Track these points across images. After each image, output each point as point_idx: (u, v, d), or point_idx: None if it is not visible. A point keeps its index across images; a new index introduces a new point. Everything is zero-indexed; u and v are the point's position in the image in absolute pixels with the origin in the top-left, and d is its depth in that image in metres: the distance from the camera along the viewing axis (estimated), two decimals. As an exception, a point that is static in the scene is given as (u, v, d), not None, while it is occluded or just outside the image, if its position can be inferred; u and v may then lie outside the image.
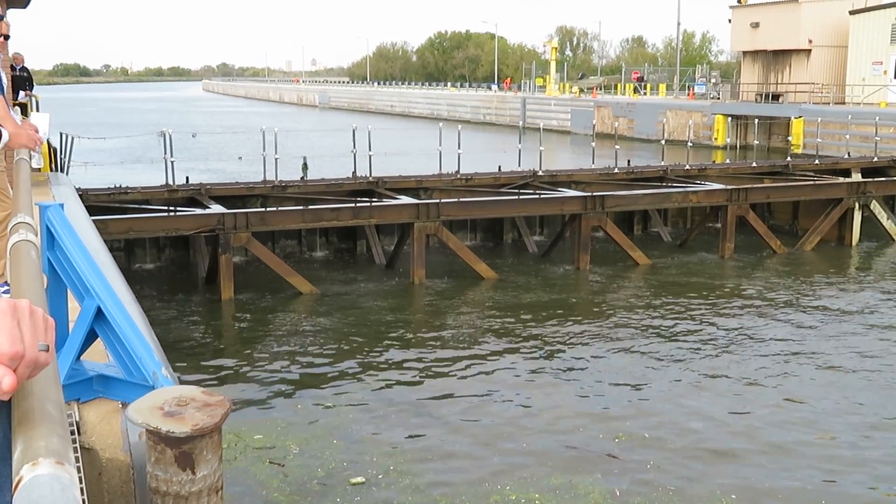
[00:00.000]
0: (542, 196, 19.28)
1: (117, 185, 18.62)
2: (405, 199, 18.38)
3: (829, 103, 49.01)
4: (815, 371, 12.56)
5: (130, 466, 4.61)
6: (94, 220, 14.06)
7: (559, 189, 20.42)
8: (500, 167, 22.32)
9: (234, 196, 19.12)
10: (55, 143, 17.99)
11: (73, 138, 18.71)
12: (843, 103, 50.27)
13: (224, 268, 16.01)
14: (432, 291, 16.97)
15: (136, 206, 17.69)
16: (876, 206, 21.89)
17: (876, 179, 22.66)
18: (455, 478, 9.11)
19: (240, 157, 32.57)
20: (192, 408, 4.08)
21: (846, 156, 28.49)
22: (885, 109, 43.05)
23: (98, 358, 5.83)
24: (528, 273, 18.63)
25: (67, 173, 18.15)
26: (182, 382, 5.76)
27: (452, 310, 15.82)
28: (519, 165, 22.26)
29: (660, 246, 21.57)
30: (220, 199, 18.29)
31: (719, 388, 11.84)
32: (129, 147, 42.39)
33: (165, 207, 17.08)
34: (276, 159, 19.58)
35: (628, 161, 24.35)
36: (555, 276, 18.45)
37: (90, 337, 5.35)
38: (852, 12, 52.81)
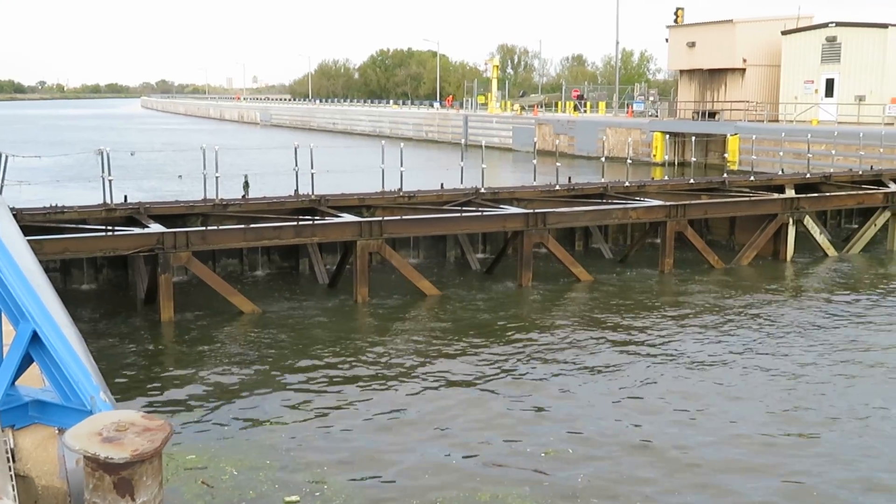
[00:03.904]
0: (484, 213, 19.38)
1: (53, 205, 18.25)
2: (348, 217, 18.33)
3: (763, 121, 50.20)
4: (752, 383, 12.80)
5: (67, 494, 4.53)
6: (28, 241, 13.78)
7: (501, 206, 20.55)
8: (442, 184, 22.40)
9: (173, 215, 18.86)
10: (-12, 162, 17.59)
11: (6, 157, 18.31)
12: (777, 121, 51.52)
13: (164, 288, 15.79)
14: (375, 310, 16.94)
15: (73, 225, 17.34)
16: (809, 222, 22.44)
17: (809, 195, 23.25)
18: (386, 494, 9.14)
19: (180, 176, 32.21)
20: (132, 433, 4.02)
21: (780, 172, 29.18)
22: (817, 127, 44.19)
23: (34, 383, 5.71)
24: (472, 290, 18.70)
25: (1, 193, 17.77)
26: (121, 406, 5.66)
27: (395, 328, 15.80)
28: (461, 183, 22.36)
29: (601, 262, 21.82)
30: (159, 219, 18.04)
31: (654, 403, 12.00)
32: (66, 165, 41.60)
33: (103, 227, 16.79)
34: (216, 177, 19.39)
35: (569, 178, 24.60)
36: (498, 292, 18.55)
37: (25, 361, 5.25)
38: (784, 32, 54.23)
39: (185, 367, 13.43)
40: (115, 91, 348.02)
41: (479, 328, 15.68)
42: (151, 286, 16.66)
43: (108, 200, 18.36)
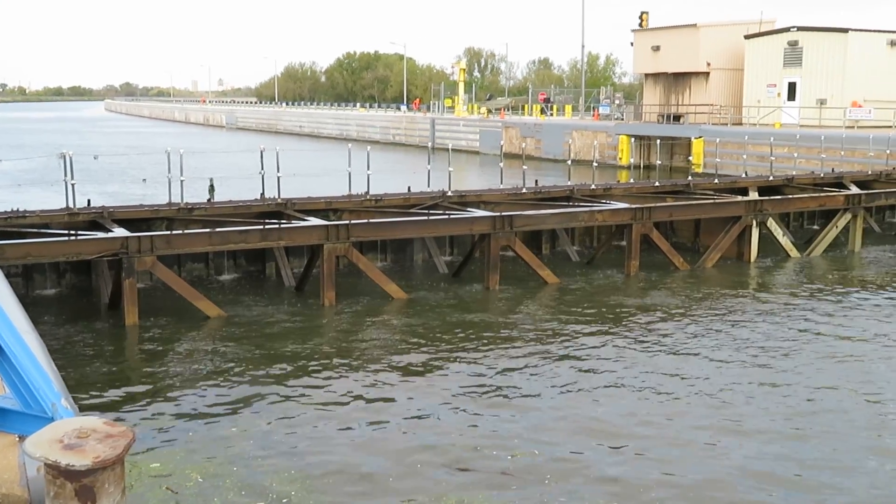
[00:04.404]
0: (451, 216, 19.40)
1: (14, 209, 18.01)
2: (314, 221, 18.26)
3: (727, 124, 50.73)
4: (717, 383, 12.92)
5: (28, 502, 4.47)
6: (-11, 246, 13.59)
7: (468, 209, 20.59)
8: (409, 188, 22.39)
9: (138, 219, 18.69)
10: (-53, 166, 17.35)
11: (-34, 161, 18.06)
12: (741, 124, 52.10)
13: (128, 292, 15.63)
14: (343, 313, 16.89)
15: (35, 230, 17.14)
16: (772, 224, 22.70)
17: (772, 198, 23.51)
18: (352, 499, 9.12)
19: (144, 180, 31.96)
20: (94, 439, 3.98)
21: (744, 175, 29.51)
22: (780, 130, 44.78)
23: (-7, 390, 5.63)
24: (439, 293, 18.71)
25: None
26: (84, 413, 5.61)
27: (363, 332, 15.77)
28: (428, 186, 22.38)
29: (568, 264, 21.93)
30: (123, 223, 17.86)
31: (620, 404, 12.07)
32: (28, 169, 41.10)
33: (66, 231, 16.59)
34: (181, 181, 19.23)
35: (536, 181, 24.71)
36: (465, 295, 18.57)
37: (-15, 368, 5.17)
38: (747, 37, 54.87)
39: (149, 373, 13.30)
40: (79, 94, 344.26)
41: (447, 331, 15.69)
42: (115, 291, 16.48)
43: (71, 205, 18.16)
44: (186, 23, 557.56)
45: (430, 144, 31.44)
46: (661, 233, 21.82)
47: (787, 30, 53.04)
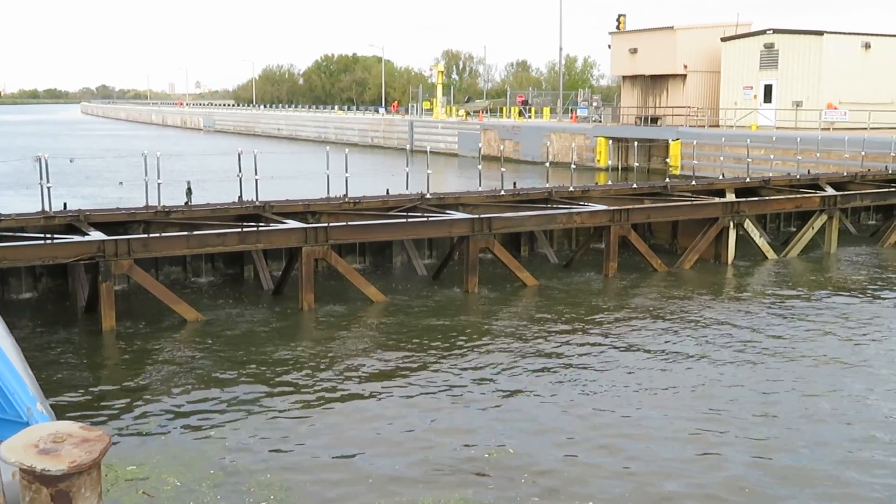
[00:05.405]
0: (430, 219, 19.40)
1: (-11, 213, 17.84)
2: (293, 224, 18.21)
3: (704, 126, 51.03)
4: (695, 384, 13.00)
5: (3, 508, 4.43)
6: (-37, 250, 13.45)
7: (447, 211, 20.59)
8: (388, 190, 22.37)
9: (114, 223, 18.56)
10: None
11: (-60, 164, 17.88)
12: (717, 126, 52.44)
13: (105, 296, 15.52)
14: (321, 316, 16.85)
15: (10, 233, 16.98)
16: (749, 225, 22.86)
17: (749, 199, 23.67)
18: (330, 502, 9.09)
19: (120, 183, 31.73)
20: (69, 444, 3.95)
21: (721, 177, 29.70)
22: (756, 132, 45.11)
23: (-32, 395, 5.58)
24: (418, 296, 18.70)
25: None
26: (60, 417, 5.57)
27: (341, 335, 15.73)
28: (407, 188, 22.38)
29: (546, 266, 21.98)
30: (100, 226, 17.73)
31: (597, 405, 12.11)
32: (3, 173, 40.74)
33: (42, 235, 16.46)
34: (158, 184, 19.13)
35: (514, 183, 24.77)
36: (444, 298, 18.57)
37: (-41, 373, 5.12)
38: (724, 39, 55.25)
39: (126, 377, 13.22)
40: (55, 96, 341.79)
41: (425, 333, 15.69)
42: (92, 295, 16.37)
43: (47, 208, 18.01)
44: (163, 25, 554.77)
45: (408, 147, 31.42)
46: (639, 234, 21.92)
47: (763, 32, 53.46)
